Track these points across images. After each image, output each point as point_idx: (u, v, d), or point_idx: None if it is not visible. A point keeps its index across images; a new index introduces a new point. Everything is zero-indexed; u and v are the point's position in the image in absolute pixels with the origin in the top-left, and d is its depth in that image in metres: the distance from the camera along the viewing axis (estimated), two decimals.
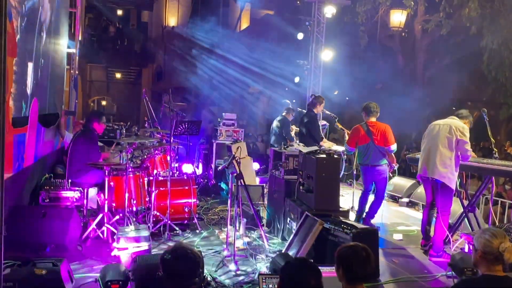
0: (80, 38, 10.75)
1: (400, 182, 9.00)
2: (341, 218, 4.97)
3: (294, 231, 4.97)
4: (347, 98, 14.96)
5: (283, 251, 4.85)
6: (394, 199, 8.82)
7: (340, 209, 5.35)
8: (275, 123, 9.08)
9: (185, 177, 6.59)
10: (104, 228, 5.33)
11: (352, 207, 7.25)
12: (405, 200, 8.51)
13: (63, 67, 8.67)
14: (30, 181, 6.08)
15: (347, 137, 7.04)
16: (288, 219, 5.65)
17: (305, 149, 5.99)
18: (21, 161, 5.28)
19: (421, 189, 8.05)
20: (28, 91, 5.38)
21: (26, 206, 5.63)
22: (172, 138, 6.26)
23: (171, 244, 5.38)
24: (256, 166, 9.29)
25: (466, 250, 5.20)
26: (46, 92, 6.77)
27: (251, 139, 13.30)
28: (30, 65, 5.44)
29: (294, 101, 11.91)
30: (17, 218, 4.79)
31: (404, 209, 8.30)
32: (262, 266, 4.76)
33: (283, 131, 8.69)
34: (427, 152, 5.40)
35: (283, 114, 9.03)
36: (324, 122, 9.27)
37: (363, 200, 6.45)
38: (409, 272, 4.89)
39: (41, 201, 5.98)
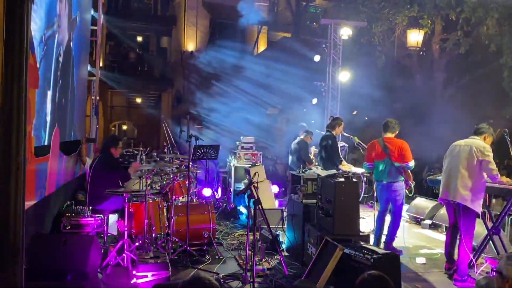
0: (101, 65, 11.02)
1: (422, 204, 8.84)
2: (361, 243, 4.89)
3: (314, 257, 4.90)
4: (366, 118, 14.90)
5: (303, 277, 4.78)
6: (417, 221, 8.66)
7: (361, 233, 5.28)
8: (293, 146, 9.08)
9: (204, 202, 6.60)
10: (124, 255, 5.35)
11: (373, 230, 7.14)
12: (428, 222, 8.35)
13: (84, 93, 8.87)
14: (52, 209, 6.18)
15: None
16: (308, 244, 5.58)
17: (323, 173, 5.96)
18: (43, 189, 5.37)
19: (443, 211, 7.89)
20: (48, 119, 5.51)
21: (47, 234, 5.69)
22: (190, 163, 6.30)
23: (190, 271, 5.37)
24: (275, 189, 9.26)
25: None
26: (67, 119, 6.92)
27: (270, 162, 13.30)
28: (49, 94, 5.58)
29: (313, 122, 11.92)
30: (38, 246, 4.83)
31: (426, 231, 8.13)
32: None
33: (301, 153, 8.68)
34: (448, 174, 5.32)
35: (301, 136, 9.03)
36: (343, 144, 9.24)
37: (380, 220, 6.36)
38: None
39: (63, 228, 6.05)
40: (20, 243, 2.77)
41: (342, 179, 5.21)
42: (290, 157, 9.39)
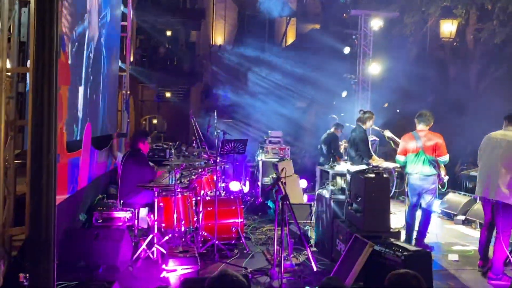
0: (131, 59, 11.15)
1: (455, 199, 8.61)
2: (392, 239, 4.80)
3: (343, 253, 4.86)
4: (397, 111, 14.61)
5: (331, 274, 4.73)
6: (449, 216, 8.44)
7: (391, 229, 5.21)
8: (322, 139, 8.99)
9: (232, 197, 6.62)
10: (154, 249, 5.43)
11: (404, 226, 7.00)
12: (461, 217, 8.12)
13: (115, 89, 9.01)
14: (84, 202, 6.32)
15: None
16: (337, 240, 5.53)
17: (353, 168, 5.88)
18: (76, 183, 5.50)
19: (478, 206, 7.67)
20: (80, 114, 5.62)
21: (79, 228, 5.84)
22: (218, 158, 6.32)
23: (218, 266, 5.42)
24: (303, 183, 9.21)
25: None
26: (99, 114, 7.05)
27: (299, 156, 13.22)
28: (81, 89, 5.69)
29: (342, 115, 11.79)
30: (71, 240, 4.97)
31: (459, 227, 7.92)
32: None
33: (331, 147, 8.57)
34: (486, 171, 5.15)
35: (331, 130, 8.92)
36: (374, 138, 9.08)
37: (411, 216, 6.22)
38: None
39: (95, 222, 6.19)
40: (51, 238, 2.83)
41: (372, 175, 5.13)
42: (319, 151, 9.31)
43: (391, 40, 13.67)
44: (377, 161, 6.97)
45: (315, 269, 5.17)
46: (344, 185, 5.82)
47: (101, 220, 6.08)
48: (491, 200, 5.11)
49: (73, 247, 4.89)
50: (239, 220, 6.24)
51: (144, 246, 5.43)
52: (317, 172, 6.72)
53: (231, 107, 16.80)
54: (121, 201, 6.07)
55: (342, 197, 5.78)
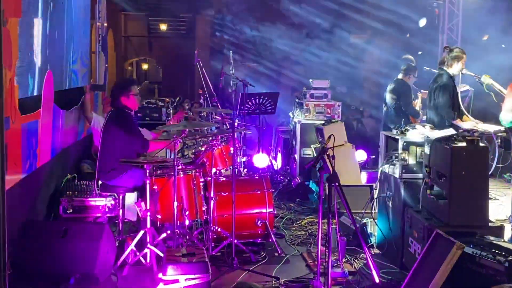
0: None
1: None
2: (491, 238, 4.77)
3: (418, 257, 4.85)
4: (503, 46, 14.22)
5: (403, 287, 4.74)
6: None
7: (490, 223, 5.18)
8: (388, 91, 8.86)
9: (257, 177, 6.63)
10: (146, 251, 5.52)
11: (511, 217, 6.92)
12: None
13: (86, 21, 9.01)
14: (46, 186, 6.44)
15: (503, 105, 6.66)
16: (410, 238, 5.51)
17: (434, 133, 5.79)
18: (34, 158, 5.59)
19: None
20: (36, 59, 5.65)
21: (41, 222, 5.96)
22: (236, 120, 6.31)
23: (238, 275, 5.48)
24: (361, 156, 9.17)
25: None
26: (63, 59, 7.09)
27: (355, 116, 13.11)
28: (37, 23, 5.68)
29: (420, 53, 11.59)
30: (29, 239, 5.07)
31: None
32: None
33: (400, 102, 8.44)
34: None
35: (400, 76, 8.77)
36: (466, 88, 8.87)
37: None
38: None
39: (62, 213, 6.32)
40: (0, 235, 2.89)
41: (463, 143, 5.04)
42: (384, 108, 9.19)
43: None
44: (470, 123, 6.84)
45: (377, 280, 5.16)
46: (420, 159, 5.76)
47: (71, 210, 6.21)
48: None
49: (32, 249, 5.00)
50: (267, 210, 6.26)
51: (132, 246, 5.52)
52: (381, 140, 6.65)
53: (254, 45, 16.66)
54: (100, 183, 6.15)
55: (417, 176, 5.73)
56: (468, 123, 6.79)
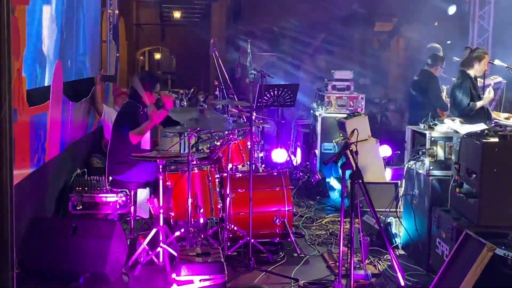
0: None
1: None
2: None
3: (446, 259, 4.83)
4: None
5: None
6: None
7: None
8: (414, 83, 8.79)
9: (275, 173, 6.63)
10: (159, 250, 5.53)
11: None
12: None
13: (96, 9, 9.06)
14: (55, 181, 6.48)
15: None
16: (437, 239, 5.49)
17: (464, 128, 5.76)
18: (42, 152, 5.62)
19: None
20: (45, 49, 5.67)
21: (50, 218, 6.00)
22: (254, 113, 6.31)
23: (255, 276, 5.49)
24: (386, 151, 9.13)
25: None
26: (73, 48, 7.12)
27: (379, 109, 13.06)
28: (46, 10, 5.71)
29: (449, 42, 11.48)
30: (37, 236, 5.10)
31: None
32: None
33: (429, 94, 8.36)
34: None
35: (426, 68, 8.70)
36: (498, 79, 8.79)
37: None
38: None
39: (72, 209, 6.37)
40: (8, 233, 2.91)
41: (495, 139, 5.00)
42: (411, 102, 9.13)
43: None
44: (503, 117, 6.79)
45: (402, 282, 5.16)
46: (449, 155, 5.72)
47: (80, 207, 6.26)
48: None
49: (40, 247, 5.03)
50: (286, 208, 6.27)
51: (144, 245, 5.54)
52: (407, 135, 6.62)
53: (273, 34, 16.63)
54: (110, 179, 6.18)
55: (446, 173, 5.70)
56: (501, 117, 6.75)
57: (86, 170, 7.06)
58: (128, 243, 5.75)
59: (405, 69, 12.38)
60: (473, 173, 5.10)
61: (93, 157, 8.09)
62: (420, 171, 5.98)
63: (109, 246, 5.10)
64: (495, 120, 6.59)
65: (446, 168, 5.73)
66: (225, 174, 6.20)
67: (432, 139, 5.85)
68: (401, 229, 6.41)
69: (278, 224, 6.23)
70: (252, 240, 5.83)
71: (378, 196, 6.60)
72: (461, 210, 5.32)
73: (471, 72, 7.08)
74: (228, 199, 6.06)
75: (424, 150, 5.92)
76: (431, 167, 5.79)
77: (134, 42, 23.46)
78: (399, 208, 6.57)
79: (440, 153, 5.81)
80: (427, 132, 5.89)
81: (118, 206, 6.44)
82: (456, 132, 5.64)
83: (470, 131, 5.42)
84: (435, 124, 6.02)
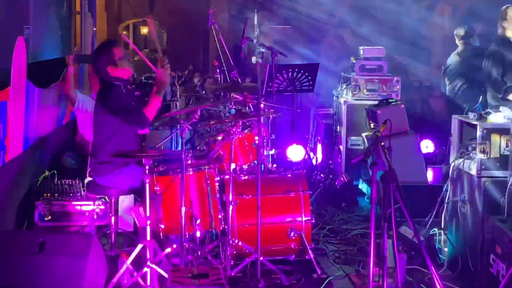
0: None
1: None
2: None
3: (502, 280, 4.86)
4: None
5: None
6: None
7: None
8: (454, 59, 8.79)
9: (290, 175, 6.62)
10: (146, 270, 5.53)
11: None
12: None
13: None
14: (17, 186, 6.47)
15: None
16: (491, 255, 5.47)
17: None
18: (1, 150, 5.62)
19: None
20: (3, 23, 5.65)
21: (10, 232, 5.99)
22: (262, 100, 6.29)
23: None
24: (428, 147, 9.11)
25: None
26: (38, 21, 7.09)
27: (418, 94, 13.00)
28: None
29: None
30: None
31: None
32: None
33: (493, 71, 8.32)
34: None
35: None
36: None
37: None
38: None
39: (38, 220, 6.36)
40: None
41: None
42: (456, 83, 9.14)
43: None
44: None
45: None
46: (506, 152, 5.71)
47: (49, 217, 6.25)
48: None
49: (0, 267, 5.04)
50: (304, 219, 6.27)
51: (128, 264, 5.54)
52: (453, 127, 6.59)
53: (287, 5, 16.59)
54: (87, 182, 6.18)
55: (502, 173, 5.69)
56: None
57: (56, 172, 7.05)
58: (108, 262, 5.76)
59: (451, 45, 12.28)
60: None
61: (65, 156, 8.06)
62: (469, 172, 5.96)
63: (85, 266, 5.11)
64: None
65: (503, 167, 5.71)
66: (227, 177, 6.18)
67: (485, 131, 5.82)
68: (446, 244, 6.41)
69: (294, 238, 6.23)
70: (261, 258, 5.82)
71: (417, 203, 6.60)
72: None
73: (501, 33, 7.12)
74: (231, 207, 6.04)
75: (474, 146, 5.90)
76: (483, 167, 5.77)
77: (116, 14, 23.48)
78: (444, 217, 6.56)
79: (495, 148, 5.79)
80: (477, 123, 5.87)
81: (95, 217, 6.43)
82: None
83: None
84: (488, 113, 6.00)
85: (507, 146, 5.70)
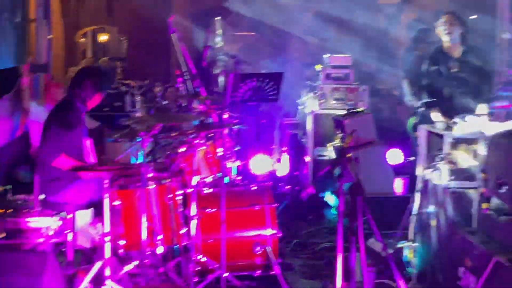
0: None
1: None
2: None
3: None
4: None
5: None
6: None
7: None
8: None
9: (255, 187, 6.66)
10: None
11: None
12: None
13: None
14: None
15: None
16: (460, 268, 5.53)
17: (493, 126, 5.82)
18: None
19: None
20: None
21: None
22: (226, 111, 6.33)
23: None
24: (396, 157, 9.19)
25: None
26: None
27: (386, 103, 13.12)
28: None
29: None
30: None
31: None
32: None
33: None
34: None
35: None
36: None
37: None
38: None
39: None
40: None
41: None
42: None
43: None
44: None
45: None
46: (474, 162, 5.77)
47: (3, 235, 6.20)
48: None
49: None
50: (269, 232, 6.30)
51: (86, 283, 5.54)
52: (420, 137, 6.67)
53: (251, 8, 16.63)
54: (42, 197, 6.16)
55: (470, 184, 5.74)
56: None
57: (9, 187, 7.01)
58: (65, 281, 5.74)
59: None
60: (505, 184, 5.14)
61: (18, 170, 8.04)
62: (437, 182, 6.03)
63: (40, 286, 5.09)
64: None
65: (470, 178, 5.77)
66: (189, 190, 6.19)
67: (452, 141, 5.90)
68: (414, 256, 6.46)
69: (259, 253, 6.25)
70: (226, 274, 5.85)
71: (385, 215, 6.65)
72: (490, 231, 5.36)
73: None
74: (194, 221, 6.06)
75: (442, 156, 5.98)
76: (451, 177, 5.84)
77: (73, 21, 23.39)
78: (413, 230, 6.63)
79: (462, 159, 5.87)
80: (445, 133, 5.95)
81: (51, 233, 6.38)
82: (482, 132, 5.71)
83: (502, 131, 5.49)
84: (455, 123, 6.08)
85: (474, 156, 5.78)
